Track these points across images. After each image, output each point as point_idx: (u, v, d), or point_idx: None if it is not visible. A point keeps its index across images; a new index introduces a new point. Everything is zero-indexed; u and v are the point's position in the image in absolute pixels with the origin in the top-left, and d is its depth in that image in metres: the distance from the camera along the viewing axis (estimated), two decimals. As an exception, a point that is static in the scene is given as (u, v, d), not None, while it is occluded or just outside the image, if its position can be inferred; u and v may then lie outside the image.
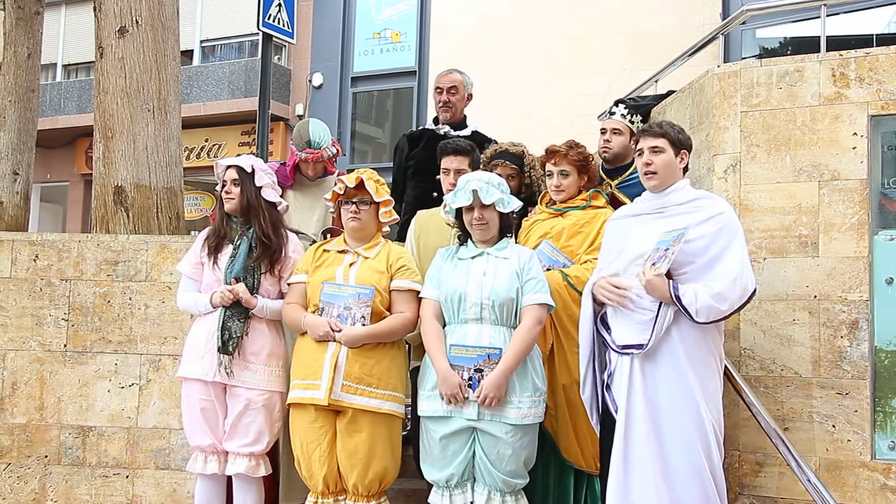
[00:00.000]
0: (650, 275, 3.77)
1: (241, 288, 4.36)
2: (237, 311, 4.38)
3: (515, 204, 4.20)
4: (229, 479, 4.47)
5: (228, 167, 4.59)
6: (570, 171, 4.59)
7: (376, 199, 4.30)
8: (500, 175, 4.83)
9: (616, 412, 3.91)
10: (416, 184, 5.67)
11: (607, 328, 4.02)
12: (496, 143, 5.26)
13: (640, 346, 3.84)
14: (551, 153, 4.63)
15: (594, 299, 4.04)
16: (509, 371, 3.94)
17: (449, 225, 4.47)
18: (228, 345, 4.32)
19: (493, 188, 4.13)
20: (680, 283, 3.78)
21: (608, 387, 3.99)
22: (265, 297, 4.46)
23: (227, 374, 4.33)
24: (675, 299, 3.73)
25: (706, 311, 3.72)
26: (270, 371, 4.42)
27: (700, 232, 3.84)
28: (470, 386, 3.94)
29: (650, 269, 3.78)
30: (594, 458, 4.38)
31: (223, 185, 4.58)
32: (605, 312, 4.05)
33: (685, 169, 4.08)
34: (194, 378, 4.40)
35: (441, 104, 5.78)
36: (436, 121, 5.87)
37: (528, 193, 4.92)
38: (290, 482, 4.70)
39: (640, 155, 4.06)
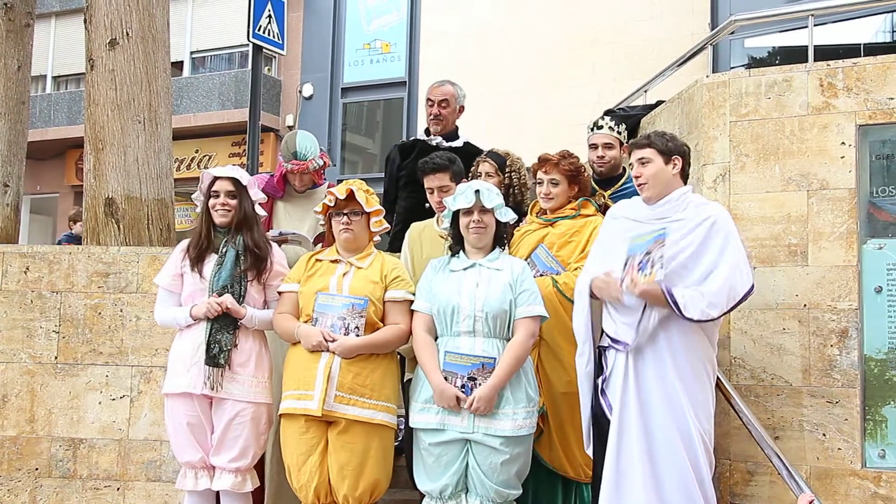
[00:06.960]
0: (644, 285, 3.78)
1: (228, 299, 4.28)
2: (226, 323, 4.30)
3: (511, 216, 4.21)
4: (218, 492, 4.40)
5: (220, 178, 4.45)
6: (559, 181, 4.59)
7: (367, 210, 4.30)
8: (480, 172, 4.92)
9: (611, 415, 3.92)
10: (409, 194, 5.67)
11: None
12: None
13: (625, 344, 3.89)
14: (543, 161, 4.63)
15: (591, 294, 4.04)
16: (501, 384, 3.94)
17: (442, 237, 4.48)
18: (219, 358, 4.24)
19: (495, 194, 4.16)
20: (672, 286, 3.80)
21: (602, 392, 4.00)
22: (252, 307, 4.39)
23: (214, 387, 4.24)
24: (667, 294, 3.75)
25: (693, 307, 3.75)
26: (257, 382, 4.34)
27: (690, 239, 3.87)
28: (463, 393, 3.95)
29: (641, 277, 3.80)
30: (581, 467, 4.39)
31: (214, 196, 4.43)
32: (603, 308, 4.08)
33: (685, 174, 4.09)
34: (180, 392, 4.28)
35: (432, 117, 5.76)
36: (427, 132, 5.85)
37: (511, 200, 4.93)
38: (279, 493, 4.69)
39: (632, 168, 4.12)
